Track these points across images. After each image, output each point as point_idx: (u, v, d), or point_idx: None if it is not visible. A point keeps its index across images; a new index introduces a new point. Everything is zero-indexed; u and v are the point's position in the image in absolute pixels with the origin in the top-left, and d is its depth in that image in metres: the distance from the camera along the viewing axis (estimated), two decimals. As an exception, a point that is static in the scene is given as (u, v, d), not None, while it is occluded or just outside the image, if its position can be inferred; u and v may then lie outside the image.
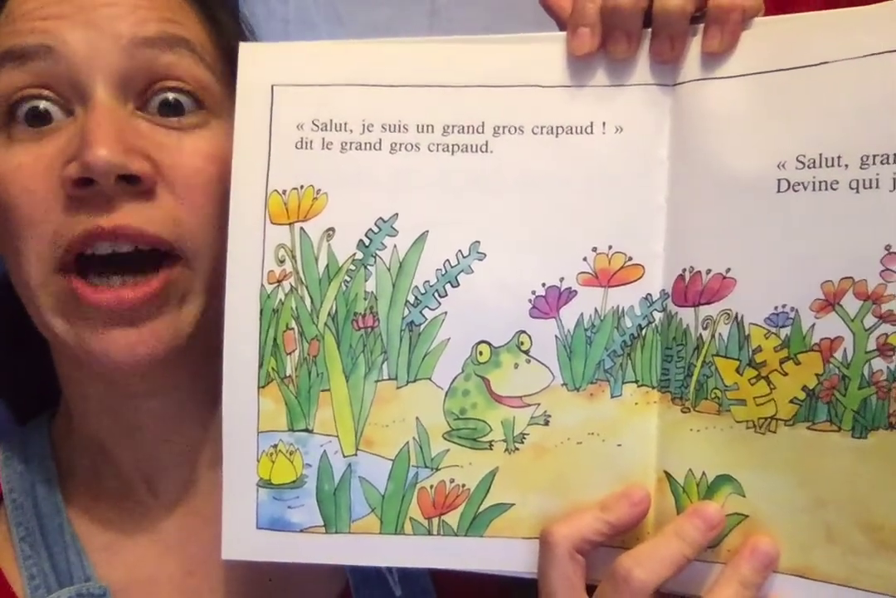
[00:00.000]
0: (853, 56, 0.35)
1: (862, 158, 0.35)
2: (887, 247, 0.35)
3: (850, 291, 0.35)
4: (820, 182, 0.36)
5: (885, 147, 0.34)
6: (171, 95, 0.43)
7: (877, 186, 0.35)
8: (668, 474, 0.40)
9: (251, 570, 0.47)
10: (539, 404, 0.41)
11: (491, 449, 0.41)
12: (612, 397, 0.40)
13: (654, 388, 0.40)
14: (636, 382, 0.40)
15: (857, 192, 0.35)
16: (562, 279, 0.40)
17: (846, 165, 0.35)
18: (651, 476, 0.40)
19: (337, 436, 0.41)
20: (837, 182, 0.35)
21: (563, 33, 0.40)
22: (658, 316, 0.40)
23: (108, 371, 0.43)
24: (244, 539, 0.42)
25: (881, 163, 0.35)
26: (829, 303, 0.36)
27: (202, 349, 0.44)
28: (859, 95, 0.35)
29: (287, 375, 0.41)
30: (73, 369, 0.48)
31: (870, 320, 0.35)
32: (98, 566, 0.47)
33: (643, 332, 0.40)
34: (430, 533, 0.41)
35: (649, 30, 0.39)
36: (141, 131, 0.42)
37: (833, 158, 0.36)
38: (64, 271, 0.42)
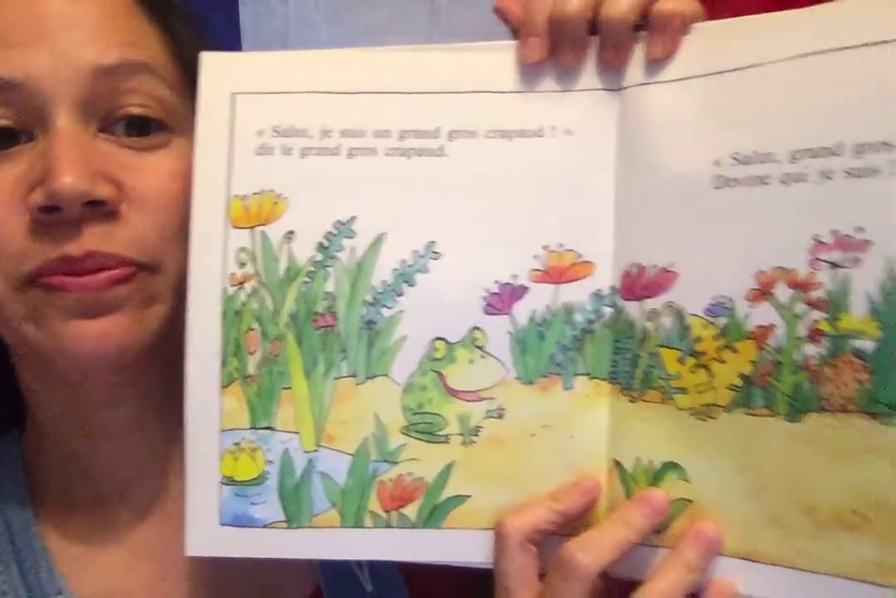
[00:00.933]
0: (781, 58, 0.37)
1: (792, 154, 0.37)
2: (815, 237, 0.37)
3: (782, 280, 0.37)
4: (753, 177, 0.38)
5: (812, 142, 0.37)
6: (133, 117, 0.44)
7: (805, 180, 0.37)
8: (618, 464, 0.41)
9: (224, 573, 0.48)
10: (493, 398, 0.42)
11: (448, 443, 0.42)
12: (564, 389, 0.42)
13: (604, 380, 0.42)
14: (587, 374, 0.42)
15: (788, 185, 0.37)
16: (514, 276, 0.42)
17: (777, 161, 0.37)
18: (603, 466, 0.42)
19: (298, 433, 0.42)
20: (769, 177, 0.38)
21: (515, 42, 0.42)
22: (608, 311, 0.42)
23: (80, 365, 0.44)
24: (208, 536, 0.43)
25: (809, 157, 0.37)
26: (763, 292, 0.38)
27: (167, 357, 0.45)
28: (787, 94, 0.37)
29: (249, 374, 0.42)
30: (40, 381, 0.49)
31: (800, 308, 0.37)
32: (70, 578, 0.48)
33: (593, 326, 0.42)
34: (389, 526, 0.42)
35: (596, 37, 0.41)
36: (104, 153, 0.43)
37: (765, 154, 0.38)
38: (31, 285, 0.43)
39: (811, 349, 0.37)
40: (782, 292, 0.37)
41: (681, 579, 0.38)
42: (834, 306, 0.36)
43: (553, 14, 0.40)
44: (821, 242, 0.37)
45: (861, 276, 0.36)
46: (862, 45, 0.35)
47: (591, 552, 0.38)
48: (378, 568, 0.48)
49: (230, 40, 0.68)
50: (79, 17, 0.43)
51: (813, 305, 0.37)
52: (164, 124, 0.45)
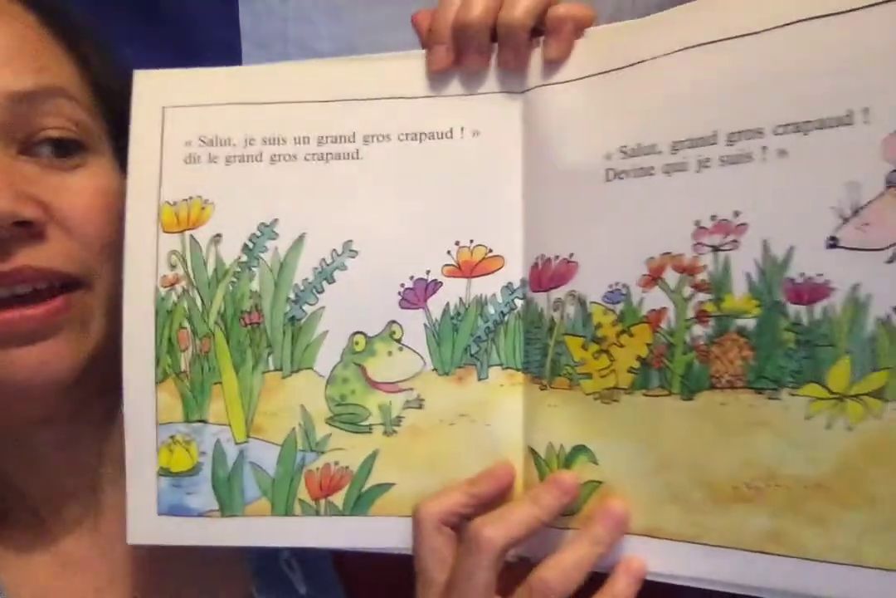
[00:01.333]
0: (659, 54, 0.40)
1: (672, 145, 0.39)
2: (697, 222, 0.39)
3: (670, 265, 0.39)
4: (639, 169, 0.40)
5: (690, 133, 0.39)
6: (51, 139, 0.45)
7: (686, 169, 0.39)
8: (532, 450, 0.43)
9: (159, 582, 0.50)
10: (412, 389, 0.44)
11: (370, 432, 0.44)
12: (479, 380, 0.44)
13: (518, 370, 0.44)
14: (501, 365, 0.44)
15: (670, 175, 0.39)
16: (428, 272, 0.44)
17: (660, 152, 0.39)
18: (519, 453, 0.44)
19: (229, 425, 0.45)
20: (653, 168, 0.40)
21: (423, 51, 0.44)
22: (519, 303, 0.44)
23: (16, 392, 0.44)
24: (147, 525, 0.45)
25: (688, 147, 0.39)
26: (654, 278, 0.40)
27: (98, 377, 0.46)
28: (666, 88, 0.39)
29: (182, 370, 0.45)
30: None
31: (687, 291, 0.39)
32: (9, 588, 0.48)
33: (506, 318, 0.44)
34: (318, 514, 0.44)
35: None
36: (27, 175, 0.44)
37: (649, 146, 0.40)
38: None
39: (699, 330, 0.39)
40: (671, 277, 0.39)
41: (587, 553, 0.40)
42: (717, 287, 0.38)
43: (456, 22, 0.42)
44: (702, 228, 0.38)
45: (740, 257, 0.37)
46: (727, 39, 0.37)
47: (497, 526, 0.39)
48: (311, 570, 0.50)
49: (230, 40, 0.69)
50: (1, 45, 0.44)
51: (698, 287, 0.39)
52: (81, 145, 0.46)
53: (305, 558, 0.51)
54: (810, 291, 0.36)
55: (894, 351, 0.34)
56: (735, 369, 0.38)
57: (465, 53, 0.43)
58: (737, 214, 0.37)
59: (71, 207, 0.45)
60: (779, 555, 0.38)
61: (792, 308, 0.37)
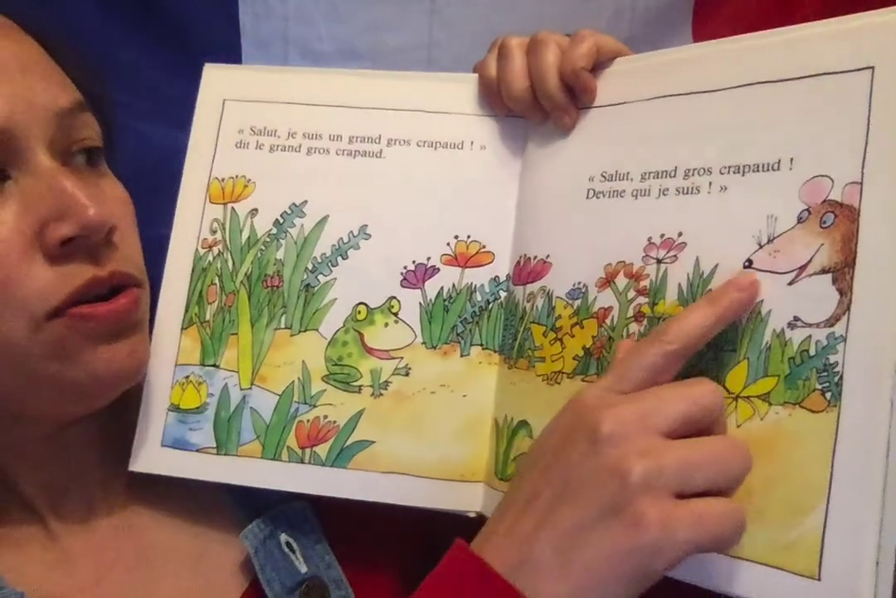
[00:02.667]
0: (641, 98, 0.47)
1: (641, 174, 0.46)
2: (649, 238, 0.45)
3: (622, 271, 0.46)
4: (613, 191, 0.47)
5: (656, 166, 0.46)
6: (88, 149, 0.48)
7: (648, 195, 0.46)
8: (495, 421, 0.49)
9: (160, 572, 0.51)
10: (402, 358, 0.51)
11: (360, 393, 0.51)
12: (462, 356, 0.50)
13: (495, 351, 0.51)
14: (481, 345, 0.51)
15: (636, 198, 0.46)
16: (428, 258, 0.51)
17: (631, 179, 0.46)
18: (488, 422, 0.50)
19: (238, 372, 0.51)
20: (625, 191, 0.47)
21: (447, 74, 0.53)
22: (503, 294, 0.51)
23: (111, 387, 0.47)
24: (150, 455, 0.51)
25: (653, 178, 0.46)
26: (608, 281, 0.46)
27: None
28: (642, 127, 0.47)
29: (206, 320, 0.52)
30: None
31: (631, 294, 0.45)
32: (8, 584, 0.48)
33: (490, 306, 0.51)
34: (302, 461, 0.50)
35: None
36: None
37: (623, 174, 0.47)
38: (52, 319, 0.44)
39: (634, 327, 0.45)
40: (621, 281, 0.46)
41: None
42: (654, 293, 0.45)
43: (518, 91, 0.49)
44: (652, 243, 0.45)
45: (676, 270, 0.44)
46: (690, 93, 0.45)
47: (680, 328, 0.39)
48: (310, 552, 0.52)
49: (230, 40, 0.70)
50: (29, 62, 0.46)
51: (640, 292, 0.45)
52: (103, 154, 0.50)
53: (303, 541, 0.52)
54: None
55: (783, 360, 0.39)
56: None
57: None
58: (680, 234, 0.44)
59: (115, 212, 0.47)
60: None
61: None
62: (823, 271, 0.39)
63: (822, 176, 0.40)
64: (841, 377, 0.37)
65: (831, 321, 0.38)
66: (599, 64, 0.48)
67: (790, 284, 0.40)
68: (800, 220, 0.40)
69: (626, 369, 0.39)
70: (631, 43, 0.49)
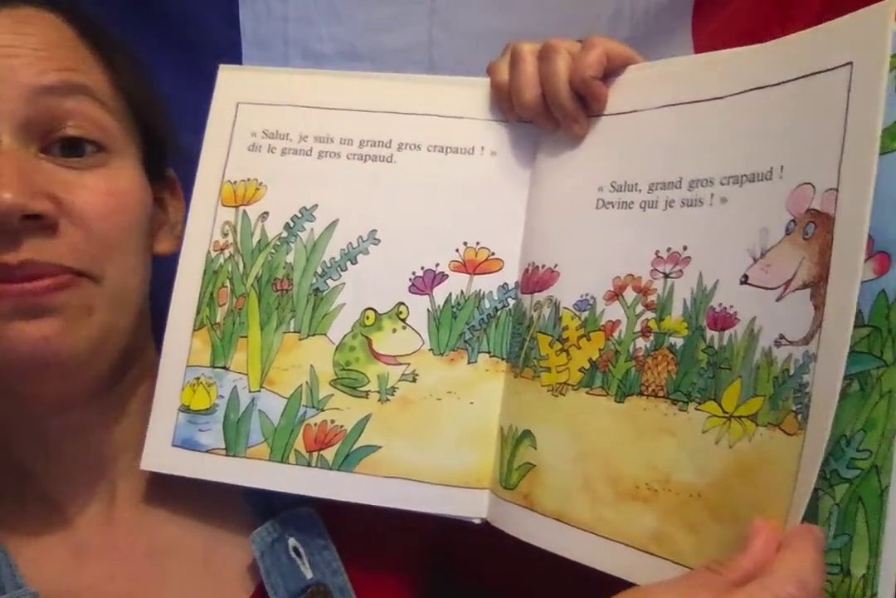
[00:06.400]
0: (651, 106, 0.47)
1: (650, 185, 0.46)
2: (657, 252, 0.46)
3: (630, 285, 0.46)
4: (622, 202, 0.47)
5: (663, 177, 0.46)
6: (71, 138, 0.48)
7: (656, 207, 0.46)
8: (500, 429, 0.50)
9: (170, 572, 0.52)
10: (409, 364, 0.52)
11: (367, 398, 0.52)
12: (469, 363, 0.51)
13: (502, 359, 0.52)
14: (489, 352, 0.52)
15: (644, 210, 0.46)
16: (437, 265, 0.52)
17: (640, 190, 0.47)
18: (494, 430, 0.51)
19: (247, 374, 0.53)
20: (633, 202, 0.47)
21: (460, 78, 0.53)
22: (511, 302, 0.52)
23: (19, 366, 0.47)
24: (160, 454, 0.53)
25: (660, 189, 0.46)
26: (616, 294, 0.47)
27: (108, 367, 0.51)
28: (651, 136, 0.47)
29: (217, 322, 0.53)
30: None
31: (639, 308, 0.46)
32: (27, 577, 0.50)
33: (498, 313, 0.52)
34: (309, 465, 0.52)
35: None
36: (44, 172, 0.47)
37: (632, 185, 0.47)
38: None
39: (640, 342, 0.45)
40: (629, 295, 0.46)
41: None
42: (661, 308, 0.45)
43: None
44: (659, 257, 0.45)
45: (681, 285, 0.44)
46: (694, 102, 0.45)
47: None
48: (316, 558, 0.52)
49: (230, 40, 0.70)
50: (18, 47, 0.47)
51: (648, 306, 0.46)
52: (100, 145, 0.50)
53: (310, 546, 0.53)
54: (723, 320, 0.42)
55: (769, 380, 0.39)
56: (661, 380, 0.44)
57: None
58: (685, 248, 0.44)
59: (85, 204, 0.48)
60: (659, 557, 0.41)
61: (710, 333, 0.42)
62: (804, 286, 0.38)
63: (805, 183, 0.39)
64: (810, 399, 0.36)
65: (807, 339, 0.37)
66: (610, 71, 0.48)
67: (777, 300, 0.39)
68: (787, 231, 0.39)
69: None
70: (631, 43, 0.48)
